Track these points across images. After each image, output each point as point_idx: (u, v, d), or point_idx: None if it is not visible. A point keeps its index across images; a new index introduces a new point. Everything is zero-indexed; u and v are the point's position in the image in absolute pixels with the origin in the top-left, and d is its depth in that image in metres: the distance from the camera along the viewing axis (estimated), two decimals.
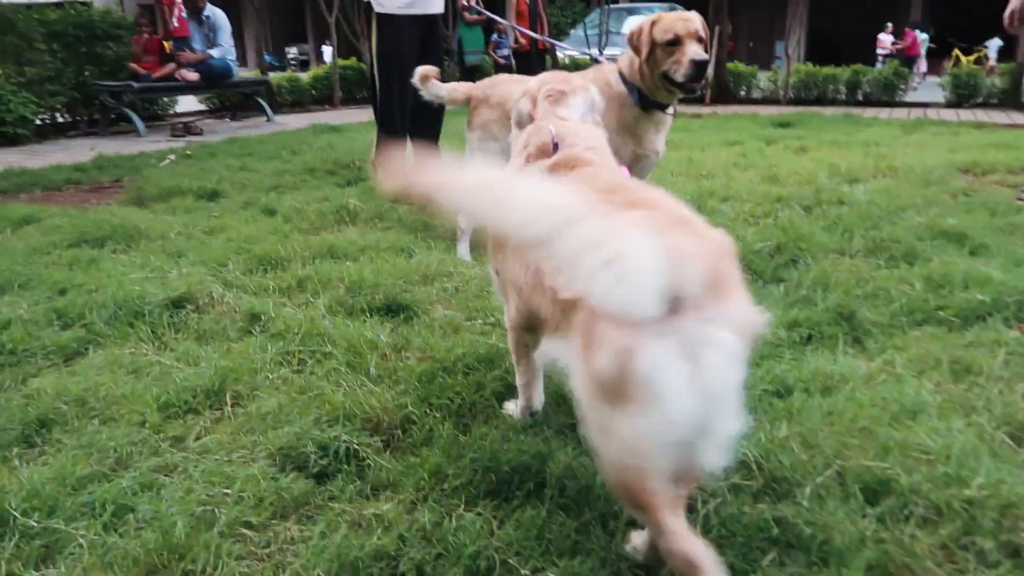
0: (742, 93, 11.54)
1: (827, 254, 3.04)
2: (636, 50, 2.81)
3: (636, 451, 1.10)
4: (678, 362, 1.04)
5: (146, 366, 2.05)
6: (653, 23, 2.79)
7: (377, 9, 4.40)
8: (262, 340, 2.23)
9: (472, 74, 12.29)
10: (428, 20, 4.48)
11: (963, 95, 10.17)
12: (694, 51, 2.69)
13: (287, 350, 2.15)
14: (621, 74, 2.88)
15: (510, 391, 1.89)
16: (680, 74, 2.70)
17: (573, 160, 1.55)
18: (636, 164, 2.94)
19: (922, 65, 19.23)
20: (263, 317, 2.38)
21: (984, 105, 10.02)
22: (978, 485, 1.48)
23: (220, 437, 1.73)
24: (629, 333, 1.05)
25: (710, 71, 10.93)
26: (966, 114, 8.97)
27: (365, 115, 9.56)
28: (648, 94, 2.81)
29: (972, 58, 20.95)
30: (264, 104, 9.57)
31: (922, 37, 20.58)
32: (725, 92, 11.16)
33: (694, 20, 2.77)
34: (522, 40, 11.68)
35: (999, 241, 3.08)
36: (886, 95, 10.61)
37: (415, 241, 3.30)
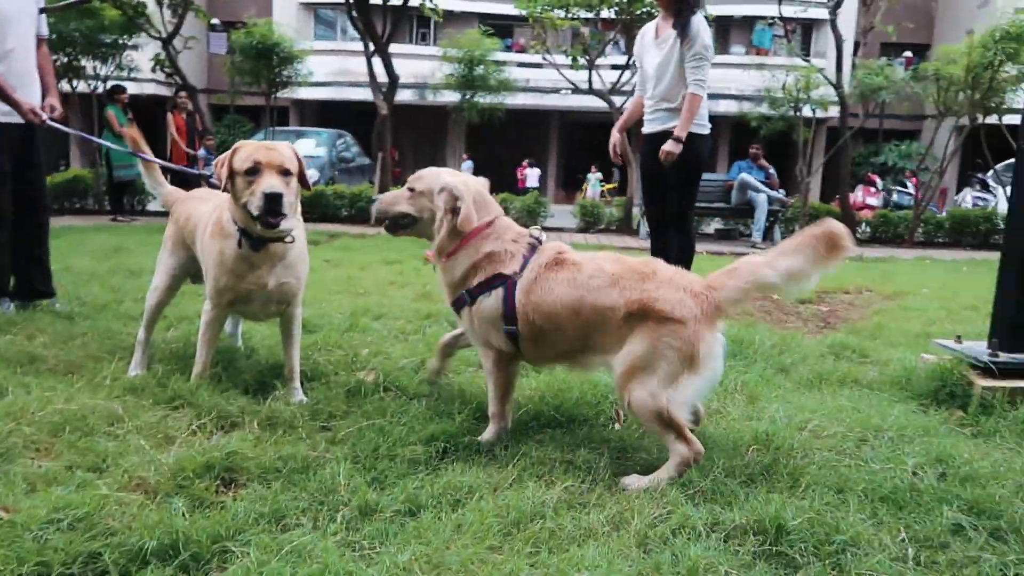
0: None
1: (467, 367, 3.21)
2: (219, 179, 2.61)
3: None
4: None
5: None
6: (235, 150, 2.61)
7: None
8: None
9: (123, 190, 11.32)
10: (23, 129, 3.92)
11: (590, 222, 11.89)
12: (268, 183, 2.48)
13: None
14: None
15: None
16: (254, 206, 2.50)
17: None
18: (249, 299, 2.74)
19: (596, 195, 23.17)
20: None
21: (606, 231, 11.80)
22: None
23: None
24: None
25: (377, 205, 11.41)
26: (592, 238, 10.46)
27: None
28: (248, 231, 2.62)
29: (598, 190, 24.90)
30: None
31: (596, 177, 24.61)
32: None
33: (280, 150, 2.60)
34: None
35: None
36: (530, 220, 11.97)
37: (10, 376, 2.78)
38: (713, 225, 12.34)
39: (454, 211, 2.44)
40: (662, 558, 1.71)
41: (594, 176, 25.03)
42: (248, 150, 2.58)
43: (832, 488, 2.08)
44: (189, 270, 3.10)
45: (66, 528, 1.70)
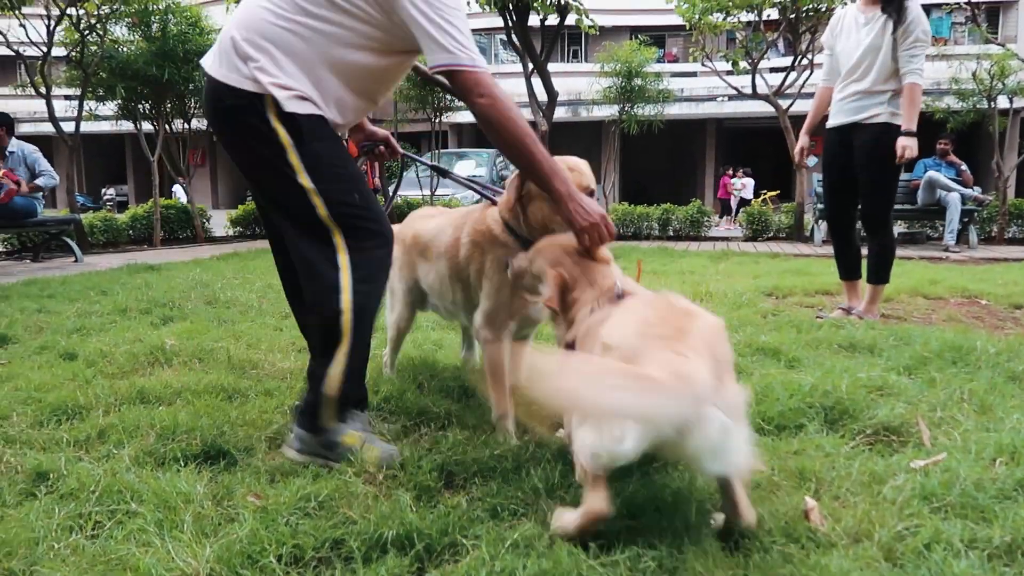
0: None
1: None
2: (518, 200, 2.37)
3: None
4: None
5: None
6: None
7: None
8: (48, 503, 1.89)
9: None
10: None
11: (757, 230, 11.41)
12: None
13: (79, 512, 1.83)
14: (506, 223, 2.43)
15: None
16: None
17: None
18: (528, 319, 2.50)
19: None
20: (52, 475, 2.04)
21: (775, 238, 11.27)
22: None
23: None
24: None
25: None
26: (762, 246, 10.02)
27: (189, 255, 9.16)
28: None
29: (759, 200, 23.79)
30: (72, 244, 8.89)
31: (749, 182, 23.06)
32: None
33: (583, 170, 2.33)
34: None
35: (810, 353, 3.34)
36: (693, 230, 11.68)
37: (239, 381, 3.04)
38: (897, 228, 11.47)
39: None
40: (918, 573, 1.56)
41: (739, 181, 23.72)
42: None
43: None
44: (420, 294, 2.92)
45: (311, 515, 1.81)
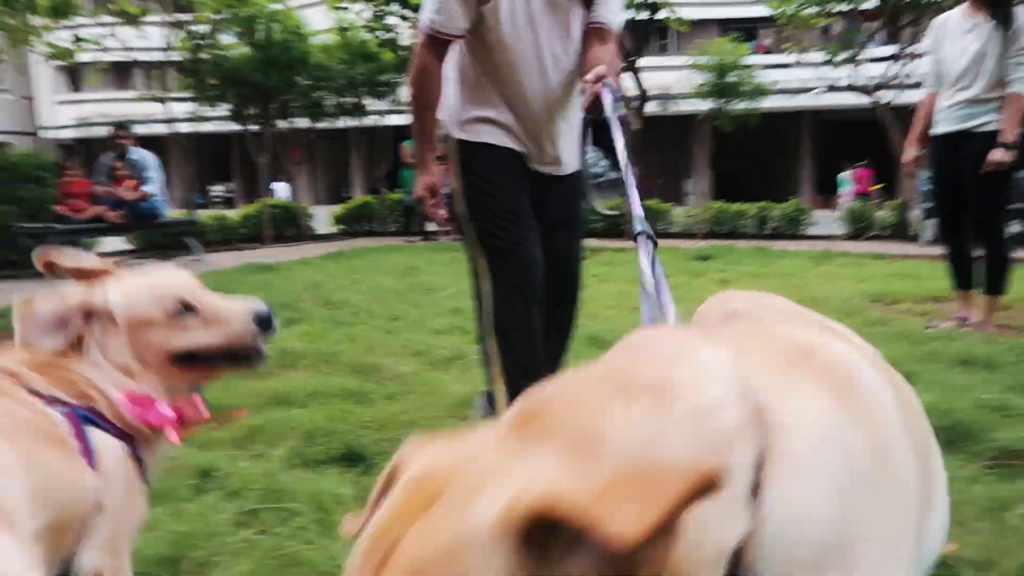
0: (658, 227, 12.20)
1: None
2: None
3: None
4: None
5: None
6: None
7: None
8: (216, 499, 2.11)
9: (412, 213, 12.50)
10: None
11: (860, 228, 11.05)
12: None
13: (245, 509, 2.05)
14: None
15: None
16: None
17: None
18: None
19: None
20: (216, 473, 2.27)
21: (878, 237, 10.89)
22: None
23: None
24: None
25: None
26: (864, 246, 9.71)
27: (297, 252, 9.61)
28: None
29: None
30: (192, 244, 9.47)
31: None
32: None
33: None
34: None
35: (924, 368, 3.29)
36: (791, 229, 11.41)
37: (362, 384, 3.25)
38: (1012, 228, 10.87)
39: None
40: None
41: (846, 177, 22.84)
42: None
43: None
44: None
45: None
